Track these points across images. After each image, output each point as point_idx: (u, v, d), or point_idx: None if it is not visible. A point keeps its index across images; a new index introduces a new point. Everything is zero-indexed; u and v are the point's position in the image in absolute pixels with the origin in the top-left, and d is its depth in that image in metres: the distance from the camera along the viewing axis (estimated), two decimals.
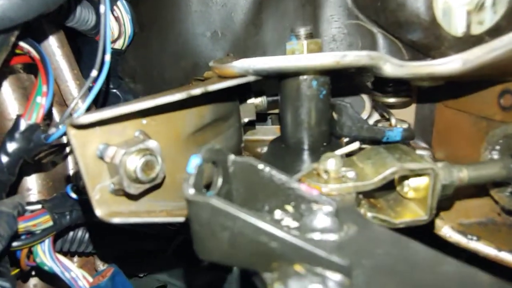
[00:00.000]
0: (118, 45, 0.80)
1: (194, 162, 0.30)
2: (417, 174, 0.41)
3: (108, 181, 0.38)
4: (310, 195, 0.32)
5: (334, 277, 0.26)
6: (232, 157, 0.34)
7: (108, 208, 0.37)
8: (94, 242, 0.67)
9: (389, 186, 0.43)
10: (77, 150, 0.34)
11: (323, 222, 0.32)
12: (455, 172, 0.41)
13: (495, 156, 0.49)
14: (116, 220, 0.37)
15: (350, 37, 0.73)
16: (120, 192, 0.38)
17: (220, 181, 0.33)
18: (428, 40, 0.59)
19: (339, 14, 0.72)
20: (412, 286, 0.26)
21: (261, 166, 0.33)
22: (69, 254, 0.68)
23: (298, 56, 0.45)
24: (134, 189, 0.37)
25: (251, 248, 0.27)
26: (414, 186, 0.42)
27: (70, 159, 0.69)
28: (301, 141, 0.55)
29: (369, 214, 0.41)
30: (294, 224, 0.33)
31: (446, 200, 0.45)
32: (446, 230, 0.49)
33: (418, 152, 0.67)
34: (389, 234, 0.32)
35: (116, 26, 0.77)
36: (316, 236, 0.31)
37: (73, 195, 0.56)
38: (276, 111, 0.74)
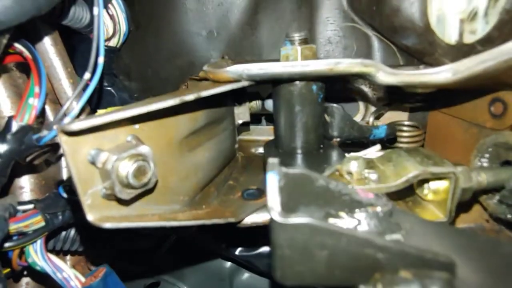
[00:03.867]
0: (113, 43, 0.80)
1: (273, 179, 0.27)
2: (438, 177, 0.41)
3: (100, 186, 0.38)
4: (366, 198, 0.32)
5: (441, 276, 0.26)
6: (284, 169, 0.32)
7: (99, 213, 0.38)
8: (87, 241, 0.67)
9: (408, 188, 0.44)
10: (69, 156, 0.34)
11: (383, 224, 0.32)
12: (474, 176, 0.42)
13: (485, 164, 0.50)
14: (107, 225, 0.37)
15: (346, 40, 0.73)
16: (112, 197, 0.38)
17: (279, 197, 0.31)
18: (422, 46, 0.60)
19: (335, 16, 0.72)
20: (493, 269, 0.27)
21: (316, 175, 0.33)
22: (61, 253, 0.68)
23: (293, 62, 0.46)
24: (126, 195, 0.38)
25: (353, 263, 0.26)
26: (434, 189, 0.44)
27: (63, 158, 0.69)
28: (297, 145, 0.55)
29: None
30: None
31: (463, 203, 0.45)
32: None
33: None
34: (438, 225, 0.33)
35: (110, 24, 0.77)
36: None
37: (65, 195, 0.56)
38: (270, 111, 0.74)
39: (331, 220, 0.33)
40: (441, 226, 0.33)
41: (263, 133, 0.83)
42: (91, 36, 0.73)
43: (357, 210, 0.33)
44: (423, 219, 0.34)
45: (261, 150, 0.77)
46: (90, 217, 0.37)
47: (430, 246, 0.29)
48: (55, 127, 0.47)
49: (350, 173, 0.41)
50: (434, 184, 0.43)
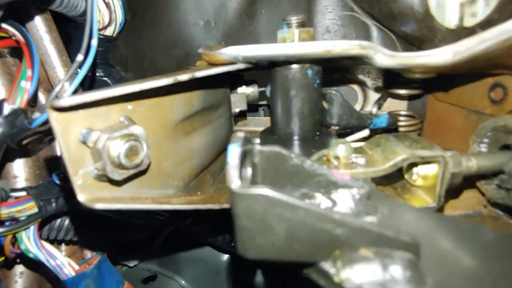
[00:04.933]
0: (109, 32, 0.79)
1: (235, 151, 0.27)
2: (426, 162, 0.41)
3: (91, 166, 0.37)
4: (342, 180, 0.32)
5: (403, 256, 0.25)
6: (258, 146, 0.32)
7: (91, 194, 0.37)
8: (82, 231, 0.66)
9: (397, 173, 0.44)
10: (59, 133, 0.34)
11: (358, 206, 0.31)
12: (463, 161, 0.42)
13: (484, 149, 0.49)
14: (99, 206, 0.36)
15: (344, 29, 0.72)
16: (104, 177, 0.37)
17: (250, 171, 0.31)
18: (422, 32, 0.59)
19: (333, 5, 0.71)
20: (465, 255, 0.27)
21: (290, 154, 0.32)
22: (56, 242, 0.68)
23: (289, 44, 0.45)
24: (117, 175, 0.37)
25: (311, 238, 0.26)
26: (422, 174, 0.43)
27: (57, 145, 0.68)
28: (293, 132, 0.54)
29: None
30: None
31: (452, 189, 0.45)
32: None
33: None
34: (419, 210, 0.32)
35: (106, 13, 0.76)
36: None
37: (59, 182, 0.55)
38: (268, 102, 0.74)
39: (307, 201, 0.32)
40: (422, 212, 0.32)
41: (261, 124, 0.82)
42: None
43: (333, 191, 0.32)
44: (404, 204, 0.34)
45: (258, 140, 0.77)
46: (81, 197, 0.36)
47: (414, 229, 0.29)
48: (46, 109, 0.46)
49: (337, 157, 0.40)
50: (423, 169, 0.42)
